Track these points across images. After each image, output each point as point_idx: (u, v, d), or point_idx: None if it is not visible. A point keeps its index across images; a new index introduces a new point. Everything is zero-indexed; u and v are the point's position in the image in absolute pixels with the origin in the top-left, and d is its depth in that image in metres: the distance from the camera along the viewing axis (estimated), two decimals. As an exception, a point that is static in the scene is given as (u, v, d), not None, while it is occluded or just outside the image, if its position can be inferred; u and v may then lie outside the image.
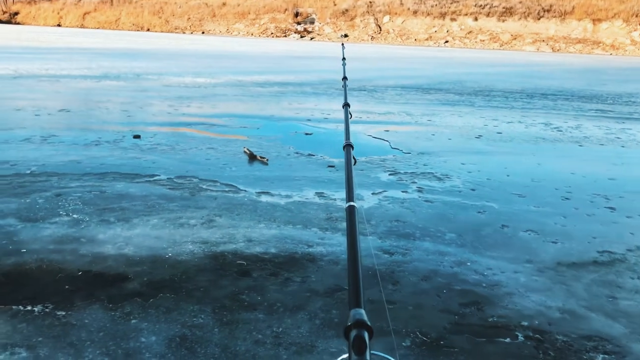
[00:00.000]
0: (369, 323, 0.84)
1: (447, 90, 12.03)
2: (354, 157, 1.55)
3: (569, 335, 2.20)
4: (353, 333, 0.83)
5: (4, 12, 64.79)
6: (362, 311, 0.87)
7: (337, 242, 3.04)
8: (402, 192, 4.08)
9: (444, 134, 6.65)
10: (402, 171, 4.70)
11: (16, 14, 64.68)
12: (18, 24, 61.85)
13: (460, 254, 2.96)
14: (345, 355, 0.83)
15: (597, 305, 2.47)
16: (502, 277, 2.71)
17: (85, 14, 63.51)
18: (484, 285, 2.61)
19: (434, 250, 3.00)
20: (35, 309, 2.23)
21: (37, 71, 12.04)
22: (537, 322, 2.29)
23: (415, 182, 4.35)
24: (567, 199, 4.11)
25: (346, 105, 2.28)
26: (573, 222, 3.59)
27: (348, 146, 1.58)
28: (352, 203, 1.24)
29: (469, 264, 2.84)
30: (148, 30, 59.74)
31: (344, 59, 5.89)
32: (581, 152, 5.98)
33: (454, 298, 2.47)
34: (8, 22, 62.75)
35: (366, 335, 0.82)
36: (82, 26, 61.47)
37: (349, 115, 2.09)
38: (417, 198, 3.94)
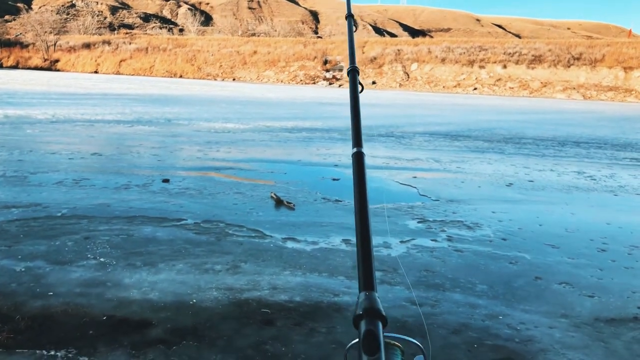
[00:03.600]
0: (382, 311, 0.72)
1: (476, 137, 11.97)
2: (360, 84, 1.26)
3: (610, 398, 2.08)
4: (363, 325, 0.71)
5: (45, 60, 67.56)
6: (375, 295, 0.74)
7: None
8: (432, 240, 4.00)
9: (473, 181, 6.57)
10: (430, 219, 4.62)
11: (57, 61, 67.36)
12: (58, 70, 64.33)
13: (492, 307, 2.85)
14: (357, 341, 0.71)
15: (639, 365, 2.34)
16: (536, 332, 2.59)
17: (121, 61, 65.80)
18: (517, 340, 2.50)
19: (465, 302, 2.91)
20: (59, 354, 2.20)
21: (73, 116, 12.40)
22: (575, 382, 2.17)
23: (445, 231, 4.27)
24: (603, 250, 3.97)
25: (350, 16, 1.66)
26: (610, 275, 3.45)
27: (354, 70, 1.26)
28: (359, 149, 1.01)
29: (501, 317, 2.74)
30: (181, 76, 61.45)
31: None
32: (616, 201, 5.82)
33: (486, 353, 2.37)
34: (49, 68, 65.34)
35: (380, 327, 0.70)
36: (118, 73, 63.58)
37: (354, 28, 1.56)
38: (447, 247, 3.86)
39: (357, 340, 0.71)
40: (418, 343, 0.76)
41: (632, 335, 2.61)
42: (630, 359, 2.38)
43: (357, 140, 1.04)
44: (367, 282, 0.77)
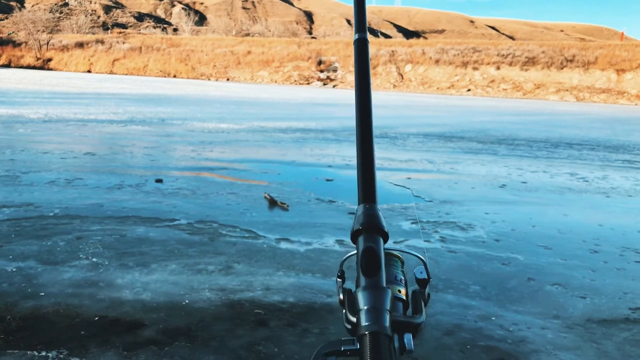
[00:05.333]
0: (384, 226, 0.65)
1: (469, 138, 12.01)
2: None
3: (602, 398, 2.08)
4: (362, 242, 0.64)
5: (38, 59, 67.27)
6: (376, 208, 0.67)
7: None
8: (425, 241, 4.00)
9: (466, 182, 6.58)
10: (424, 220, 4.63)
11: (49, 60, 67.08)
12: (51, 69, 64.05)
13: (485, 308, 2.86)
14: (354, 252, 0.65)
15: (630, 366, 2.35)
16: (528, 333, 2.60)
17: (114, 60, 65.62)
18: (510, 341, 2.51)
19: (458, 303, 2.91)
20: (50, 354, 2.19)
21: (66, 115, 12.35)
22: (567, 383, 2.18)
23: (438, 232, 4.28)
24: (595, 252, 3.99)
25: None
26: (602, 276, 3.47)
27: None
28: (362, 35, 0.82)
29: (493, 318, 2.74)
30: (175, 76, 61.34)
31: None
32: (609, 203, 5.85)
33: (479, 354, 2.37)
34: (41, 67, 65.05)
35: (380, 243, 0.64)
36: (112, 72, 63.38)
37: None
38: (440, 248, 3.87)
39: (355, 252, 0.65)
40: (418, 255, 0.71)
41: (623, 336, 2.62)
42: (622, 360, 2.39)
43: (361, 26, 0.84)
44: (366, 193, 0.69)
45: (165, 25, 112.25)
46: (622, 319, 2.83)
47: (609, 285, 3.30)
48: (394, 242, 3.92)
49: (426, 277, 0.68)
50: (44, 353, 2.19)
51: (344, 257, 0.69)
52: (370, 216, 0.65)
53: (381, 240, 0.64)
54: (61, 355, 2.18)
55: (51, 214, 4.18)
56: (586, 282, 3.34)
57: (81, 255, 3.32)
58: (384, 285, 0.62)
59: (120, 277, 3.01)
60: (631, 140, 13.61)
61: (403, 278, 0.67)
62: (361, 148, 0.73)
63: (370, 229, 0.65)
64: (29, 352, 2.19)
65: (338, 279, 0.70)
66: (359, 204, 0.67)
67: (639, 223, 5.00)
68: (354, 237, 0.65)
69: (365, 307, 0.60)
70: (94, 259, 3.26)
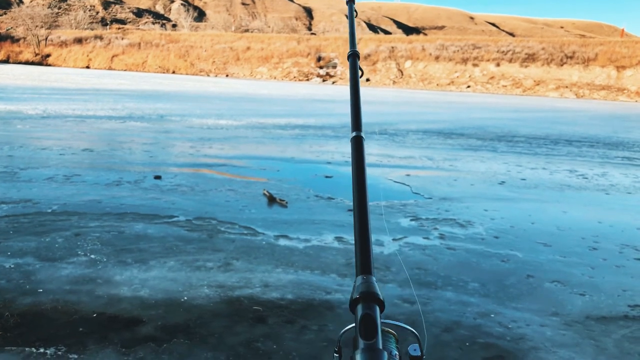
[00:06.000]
0: (380, 295, 0.70)
1: (469, 135, 12.00)
2: (360, 69, 1.20)
3: (600, 396, 2.08)
4: (360, 309, 0.69)
5: (37, 54, 67.10)
6: (373, 279, 0.72)
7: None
8: (424, 238, 4.00)
9: (466, 179, 6.58)
10: (423, 217, 4.62)
11: (48, 56, 66.92)
12: (49, 65, 63.91)
13: (484, 305, 2.86)
14: (352, 326, 0.70)
15: (629, 363, 2.34)
16: (527, 330, 2.60)
17: (113, 56, 65.49)
18: (508, 338, 2.50)
19: (457, 300, 2.91)
20: (48, 351, 2.18)
21: (64, 111, 12.32)
22: (565, 380, 2.18)
23: (437, 229, 4.27)
24: (594, 249, 3.99)
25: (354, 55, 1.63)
26: (601, 273, 3.47)
27: (354, 55, 1.19)
28: (359, 133, 0.97)
29: (492, 315, 2.74)
30: (173, 72, 61.24)
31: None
32: (608, 200, 5.85)
33: (477, 351, 2.37)
34: (40, 63, 64.90)
35: (377, 311, 0.69)
36: (110, 68, 63.27)
37: (355, 14, 1.51)
38: (439, 245, 3.86)
39: (352, 325, 0.70)
40: (413, 330, 0.75)
41: (622, 333, 2.62)
42: (620, 357, 2.39)
43: (357, 124, 1.00)
44: (364, 265, 0.75)
45: (164, 21, 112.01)
46: (621, 316, 2.82)
47: (607, 283, 3.30)
48: (393, 239, 3.92)
49: (420, 355, 0.74)
50: (42, 349, 2.19)
51: (342, 331, 0.74)
52: (368, 286, 0.71)
53: (377, 308, 0.69)
54: (59, 352, 2.18)
55: (49, 211, 4.17)
56: (585, 279, 3.34)
57: (79, 252, 3.31)
58: (381, 347, 0.67)
59: (118, 274, 3.00)
60: (631, 138, 13.61)
61: (397, 354, 0.71)
62: (359, 221, 0.80)
63: (367, 298, 0.70)
64: (27, 349, 2.19)
65: (335, 354, 0.75)
66: (356, 275, 0.73)
67: (638, 220, 5.00)
68: (353, 305, 0.71)
69: None
70: (92, 256, 3.26)
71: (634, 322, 2.77)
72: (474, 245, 3.89)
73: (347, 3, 1.45)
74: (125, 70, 61.54)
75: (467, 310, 2.78)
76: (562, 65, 50.10)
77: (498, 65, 52.37)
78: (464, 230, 4.28)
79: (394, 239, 3.92)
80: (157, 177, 5.61)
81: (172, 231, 3.84)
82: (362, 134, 0.97)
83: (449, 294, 2.98)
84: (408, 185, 5.95)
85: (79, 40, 68.74)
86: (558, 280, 3.29)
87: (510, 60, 52.18)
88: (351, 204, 4.82)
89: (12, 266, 3.04)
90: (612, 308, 2.92)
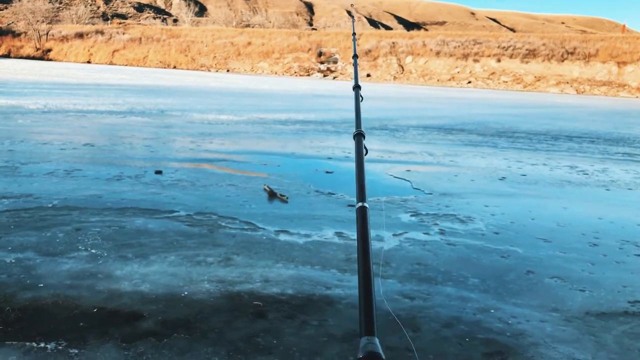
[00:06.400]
0: (382, 355, 0.76)
1: (469, 130, 11.99)
2: (365, 148, 1.30)
3: (600, 391, 2.09)
4: None
5: (38, 49, 67.01)
6: (376, 340, 0.78)
7: (356, 285, 2.95)
8: (424, 234, 4.00)
9: (466, 175, 6.58)
10: (423, 212, 4.63)
11: (49, 50, 66.82)
12: (50, 60, 63.83)
13: (484, 301, 2.86)
14: None
15: (628, 359, 2.35)
16: (527, 326, 2.60)
17: (114, 51, 65.39)
18: (508, 334, 2.51)
19: (457, 295, 2.91)
20: (49, 346, 2.19)
21: (65, 106, 12.32)
22: (565, 376, 2.18)
23: (437, 224, 4.27)
24: (594, 245, 3.99)
25: (357, 87, 1.79)
26: (602, 269, 3.47)
27: (359, 135, 1.30)
28: (363, 204, 1.07)
29: (492, 311, 2.74)
30: (174, 67, 61.16)
31: (354, 34, 5.74)
32: (608, 196, 5.85)
33: (477, 347, 2.37)
34: (41, 58, 64.81)
35: None
36: (111, 63, 63.19)
37: (360, 98, 1.67)
38: (439, 240, 3.86)
39: None
40: None
41: (622, 329, 2.62)
42: (620, 353, 2.39)
43: (361, 196, 1.10)
44: (368, 327, 0.82)
45: (165, 16, 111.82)
46: (621, 312, 2.83)
47: (608, 279, 3.30)
48: (393, 234, 3.92)
49: None
50: (42, 344, 2.19)
51: None
52: (372, 347, 0.77)
53: None
54: (60, 347, 2.18)
55: (50, 205, 4.17)
56: (585, 275, 3.34)
57: (80, 247, 3.31)
58: None
59: (119, 269, 3.00)
60: (631, 133, 13.60)
61: None
62: (363, 286, 0.89)
63: (372, 358, 0.76)
64: (27, 343, 2.19)
65: None
66: (360, 336, 0.80)
67: (639, 216, 5.00)
68: None
69: None
70: (93, 251, 3.26)
71: (634, 318, 2.77)
72: (474, 241, 3.89)
73: (353, 89, 1.51)
74: (126, 65, 61.45)
75: (467, 305, 2.79)
76: (562, 61, 49.98)
77: (499, 61, 52.26)
78: (464, 225, 4.28)
79: (394, 235, 3.92)
80: (158, 172, 5.62)
81: (173, 226, 3.84)
82: (367, 204, 1.06)
83: (449, 290, 2.98)
84: (408, 181, 5.95)
85: (80, 35, 68.61)
86: (558, 276, 3.29)
87: (511, 56, 52.07)
88: (351, 199, 4.83)
89: (13, 261, 3.04)
90: (612, 304, 2.93)
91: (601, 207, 5.32)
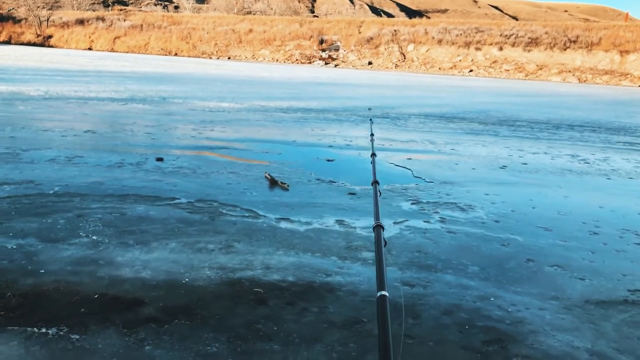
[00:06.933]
0: None
1: (471, 119, 11.96)
2: (384, 240, 1.33)
3: (598, 379, 2.10)
4: None
5: (38, 35, 66.76)
6: None
7: (356, 272, 2.97)
8: (424, 222, 4.00)
9: (467, 163, 6.57)
10: (424, 200, 4.63)
11: (50, 37, 66.58)
12: (51, 46, 63.60)
13: (484, 288, 2.87)
14: None
15: (628, 347, 2.36)
16: (526, 313, 2.61)
17: (115, 38, 65.14)
18: (508, 322, 2.52)
19: (457, 283, 2.92)
20: (50, 331, 2.20)
21: (67, 93, 12.29)
22: (564, 363, 2.19)
23: (438, 212, 4.28)
24: (595, 233, 3.99)
25: (375, 183, 1.79)
26: (602, 258, 3.47)
27: (378, 227, 1.31)
28: (383, 292, 1.09)
29: (492, 299, 2.75)
30: (176, 54, 60.94)
31: (372, 134, 5.84)
32: (609, 185, 5.84)
33: (477, 335, 2.38)
34: (42, 44, 64.58)
35: None
36: (112, 50, 62.98)
37: (379, 193, 1.72)
38: (440, 228, 3.87)
39: None
40: None
41: (621, 318, 2.63)
42: (619, 341, 2.40)
43: (381, 285, 1.12)
44: None
45: (166, 3, 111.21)
46: (621, 301, 2.84)
47: (608, 267, 3.31)
48: (394, 222, 3.93)
49: None
50: (44, 330, 2.21)
51: None
52: None
53: None
54: (61, 332, 2.19)
55: (51, 192, 4.17)
56: (585, 263, 3.35)
57: (81, 233, 3.32)
58: None
59: (120, 255, 3.01)
60: (633, 122, 13.56)
61: None
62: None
63: None
64: (29, 329, 2.20)
65: None
66: None
67: (639, 205, 5.00)
68: None
69: None
70: (94, 237, 3.27)
71: (633, 306, 2.78)
72: (474, 229, 3.90)
73: (373, 229, 1.52)
74: (127, 52, 61.25)
75: (466, 293, 2.80)
76: (565, 49, 49.75)
77: (501, 49, 52.02)
78: (464, 214, 4.29)
79: (394, 222, 3.93)
80: (159, 160, 5.61)
81: (174, 213, 3.85)
82: (387, 293, 1.07)
83: (449, 277, 2.99)
84: (409, 169, 5.94)
85: (80, 22, 68.33)
86: (558, 264, 3.30)
87: (513, 45, 51.82)
88: (352, 187, 4.83)
89: (14, 247, 3.05)
90: (612, 292, 2.94)
91: (602, 195, 5.32)
